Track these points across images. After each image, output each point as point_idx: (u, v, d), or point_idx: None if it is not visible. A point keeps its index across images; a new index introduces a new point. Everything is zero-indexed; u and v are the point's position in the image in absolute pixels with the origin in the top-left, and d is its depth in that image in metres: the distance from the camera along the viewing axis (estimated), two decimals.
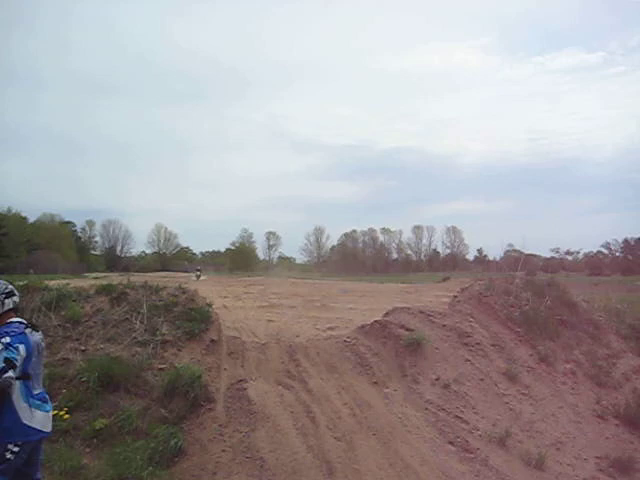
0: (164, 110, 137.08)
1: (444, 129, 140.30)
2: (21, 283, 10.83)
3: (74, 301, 10.32)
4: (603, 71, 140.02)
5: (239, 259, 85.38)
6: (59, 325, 9.76)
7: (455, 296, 13.16)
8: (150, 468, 7.29)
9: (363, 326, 11.67)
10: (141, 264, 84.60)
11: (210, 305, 10.57)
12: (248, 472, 7.31)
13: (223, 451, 7.69)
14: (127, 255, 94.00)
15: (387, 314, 11.92)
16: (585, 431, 9.86)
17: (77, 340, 9.52)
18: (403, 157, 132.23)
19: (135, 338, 9.54)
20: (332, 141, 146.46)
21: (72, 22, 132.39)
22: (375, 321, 11.55)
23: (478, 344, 11.04)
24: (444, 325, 11.35)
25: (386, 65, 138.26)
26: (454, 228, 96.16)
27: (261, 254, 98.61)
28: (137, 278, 12.24)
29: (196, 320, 9.94)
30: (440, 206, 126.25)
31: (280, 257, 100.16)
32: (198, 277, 40.83)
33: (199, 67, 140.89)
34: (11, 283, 5.89)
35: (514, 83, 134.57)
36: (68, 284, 11.39)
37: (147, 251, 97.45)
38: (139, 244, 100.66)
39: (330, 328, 16.28)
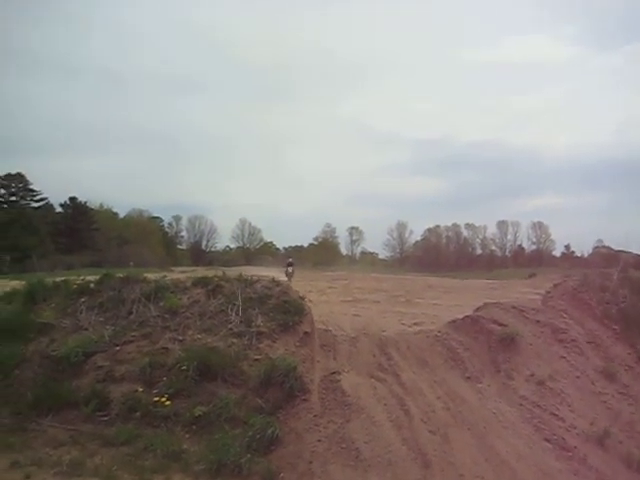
0: (249, 107, 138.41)
1: (528, 122, 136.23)
2: (121, 275, 11.29)
3: (172, 293, 10.65)
4: None
5: (322, 254, 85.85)
6: (158, 316, 10.11)
7: (548, 292, 12.85)
8: (248, 455, 7.51)
9: (454, 321, 11.59)
10: (225, 258, 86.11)
11: (303, 298, 10.71)
12: (344, 462, 7.42)
13: (319, 441, 7.82)
14: (212, 249, 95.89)
15: (478, 309, 11.79)
16: None
17: (175, 330, 9.83)
18: (486, 151, 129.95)
19: (231, 329, 9.78)
20: (413, 136, 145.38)
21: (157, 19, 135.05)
22: (466, 316, 11.46)
23: (573, 341, 10.78)
24: (538, 321, 11.14)
25: (468, 58, 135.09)
26: (540, 223, 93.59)
27: (344, 249, 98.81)
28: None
29: (290, 312, 10.10)
30: (525, 201, 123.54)
31: (363, 252, 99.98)
32: (289, 274, 29.42)
33: (283, 64, 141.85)
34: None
35: (602, 73, 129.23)
36: (165, 276, 11.77)
37: (231, 245, 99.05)
38: (224, 239, 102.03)
39: (416, 324, 16.22)
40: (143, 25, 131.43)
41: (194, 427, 8.25)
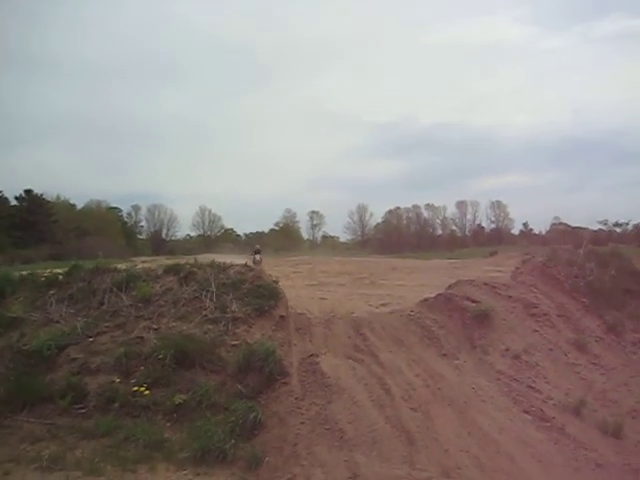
0: (211, 91, 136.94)
1: (486, 103, 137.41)
2: (91, 266, 11.11)
3: (144, 281, 10.51)
4: None
5: (283, 239, 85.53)
6: (131, 305, 9.98)
7: (517, 267, 13.04)
8: (232, 441, 7.47)
9: (426, 299, 11.68)
10: (186, 247, 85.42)
11: (277, 282, 10.66)
12: (329, 443, 7.44)
13: (302, 423, 7.82)
14: (172, 238, 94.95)
15: (450, 287, 11.90)
16: None
17: (149, 319, 9.72)
18: (445, 132, 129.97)
19: (206, 316, 9.71)
20: (373, 118, 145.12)
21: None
22: (439, 294, 11.55)
23: (545, 314, 10.97)
24: (510, 296, 11.31)
25: (426, 41, 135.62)
26: (498, 202, 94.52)
27: (305, 234, 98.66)
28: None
29: (265, 297, 10.05)
30: (484, 180, 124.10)
31: (324, 236, 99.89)
32: (257, 262, 24.96)
33: (250, 47, 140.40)
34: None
35: (555, 54, 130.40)
36: (135, 265, 11.62)
37: (192, 234, 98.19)
38: (184, 227, 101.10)
39: (383, 305, 16.29)
40: (108, 11, 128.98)
41: (175, 415, 8.19)
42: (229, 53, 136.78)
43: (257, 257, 27.04)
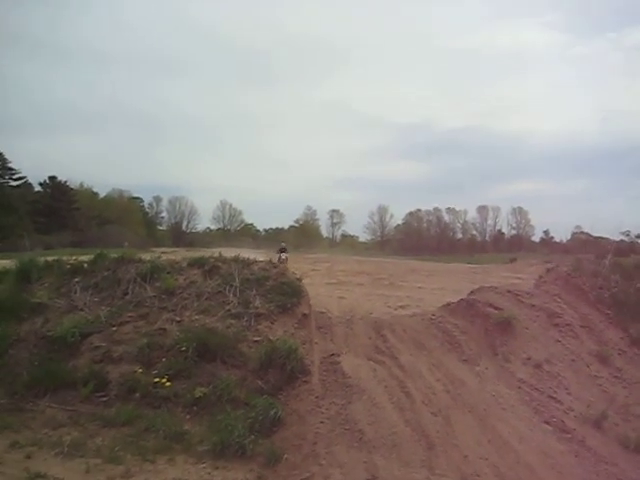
0: (233, 89, 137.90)
1: (511, 109, 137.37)
2: (116, 255, 11.18)
3: (168, 273, 10.57)
4: None
5: (302, 236, 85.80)
6: (154, 296, 10.04)
7: (541, 276, 12.95)
8: (252, 436, 7.47)
9: (449, 304, 11.68)
10: (206, 240, 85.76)
11: (300, 280, 10.68)
12: (348, 443, 7.43)
13: (321, 422, 7.82)
14: (192, 231, 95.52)
15: (473, 293, 11.86)
16: None
17: (172, 311, 9.77)
18: (469, 137, 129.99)
19: (229, 310, 9.74)
20: (397, 120, 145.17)
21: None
22: (462, 299, 11.54)
23: (568, 325, 10.88)
24: (533, 305, 11.22)
25: (451, 44, 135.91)
26: (520, 209, 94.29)
27: (324, 232, 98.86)
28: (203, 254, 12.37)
29: (288, 294, 10.08)
30: (506, 186, 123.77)
31: (343, 235, 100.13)
32: (282, 260, 23.65)
33: (269, 46, 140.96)
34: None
35: (585, 61, 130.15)
36: (160, 256, 11.67)
37: (212, 227, 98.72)
38: (204, 220, 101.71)
39: (401, 307, 16.34)
40: (129, 7, 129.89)
41: (195, 408, 8.22)
42: (245, 52, 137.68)
43: (283, 256, 26.36)
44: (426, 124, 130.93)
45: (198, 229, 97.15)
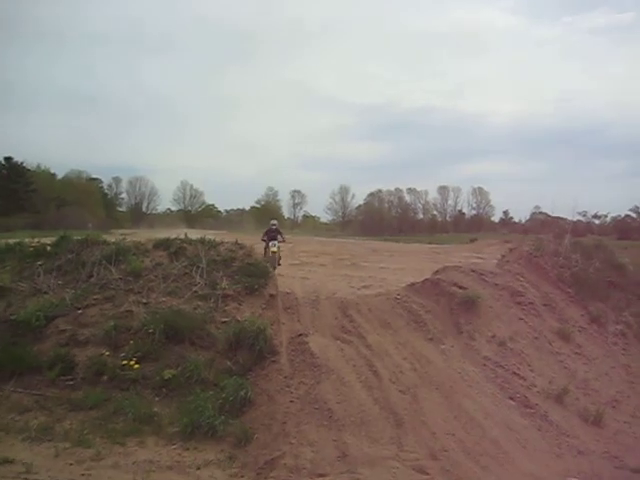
0: (197, 69, 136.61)
1: (472, 89, 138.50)
2: (79, 237, 11.04)
3: (133, 255, 10.47)
4: (635, 32, 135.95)
5: (264, 217, 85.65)
6: (120, 278, 9.95)
7: (504, 256, 13.18)
8: (222, 417, 7.54)
9: (413, 284, 11.81)
10: (167, 221, 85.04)
11: (267, 261, 10.69)
12: (317, 422, 7.51)
13: (291, 402, 7.89)
14: (153, 212, 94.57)
15: (438, 272, 12.00)
16: (638, 391, 9.96)
17: (139, 293, 9.71)
18: (430, 116, 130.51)
19: (196, 292, 9.72)
20: (358, 99, 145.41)
21: None
22: (426, 279, 11.67)
23: (531, 303, 11.10)
24: (496, 284, 11.41)
25: (412, 24, 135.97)
26: (480, 189, 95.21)
27: (286, 213, 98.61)
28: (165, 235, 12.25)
29: (255, 275, 10.09)
30: (467, 167, 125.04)
31: (305, 216, 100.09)
32: (272, 253, 18.50)
33: (235, 25, 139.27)
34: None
35: (542, 44, 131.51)
36: (125, 238, 11.57)
37: (172, 208, 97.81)
38: (164, 201, 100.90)
39: (364, 287, 16.48)
40: None
41: (164, 390, 8.23)
42: (214, 31, 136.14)
43: (273, 245, 18.74)
44: (387, 103, 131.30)
45: (159, 210, 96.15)
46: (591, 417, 8.72)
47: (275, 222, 20.34)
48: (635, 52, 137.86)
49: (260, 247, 16.76)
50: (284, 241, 19.98)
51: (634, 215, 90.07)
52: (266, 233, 19.60)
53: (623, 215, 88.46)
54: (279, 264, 18.55)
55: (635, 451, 8.24)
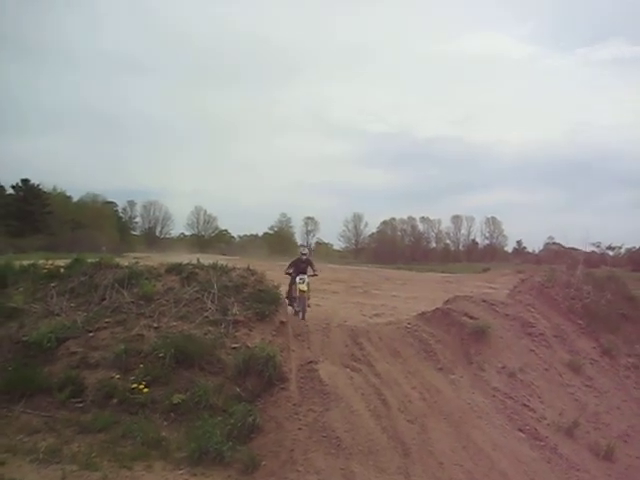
0: (207, 91, 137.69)
1: (484, 118, 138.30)
2: (93, 260, 11.14)
3: (146, 279, 10.53)
4: None
5: (277, 243, 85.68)
6: (132, 302, 10.00)
7: (516, 286, 13.18)
8: (230, 443, 7.51)
9: (424, 313, 11.82)
10: (179, 246, 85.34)
11: (278, 287, 10.72)
12: (325, 450, 7.49)
13: (299, 429, 7.87)
14: (166, 236, 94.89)
15: (448, 302, 12.02)
16: None
17: (150, 317, 9.74)
18: (443, 145, 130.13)
19: (207, 317, 9.75)
20: (372, 127, 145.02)
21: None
22: (437, 308, 11.69)
23: (541, 334, 11.10)
24: (507, 315, 11.41)
25: (426, 52, 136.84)
26: (493, 219, 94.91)
27: (299, 239, 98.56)
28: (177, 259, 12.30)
29: (266, 301, 10.10)
30: (480, 196, 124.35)
31: (318, 242, 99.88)
32: (301, 292, 14.97)
33: (242, 47, 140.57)
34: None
35: (556, 74, 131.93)
36: (138, 262, 11.65)
37: (186, 233, 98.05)
38: (178, 225, 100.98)
39: (376, 315, 16.50)
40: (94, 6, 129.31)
41: (172, 415, 8.23)
42: (215, 55, 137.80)
43: (302, 281, 15.06)
44: (402, 132, 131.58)
45: (172, 234, 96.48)
46: (602, 451, 8.70)
47: (306, 251, 16.65)
48: None
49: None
50: (316, 274, 16.10)
51: None
52: (293, 265, 15.74)
53: (638, 247, 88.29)
54: (308, 306, 15.07)
55: None
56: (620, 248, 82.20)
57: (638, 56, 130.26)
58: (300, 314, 14.36)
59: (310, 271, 15.73)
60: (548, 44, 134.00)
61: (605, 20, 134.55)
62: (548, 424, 8.99)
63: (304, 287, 14.90)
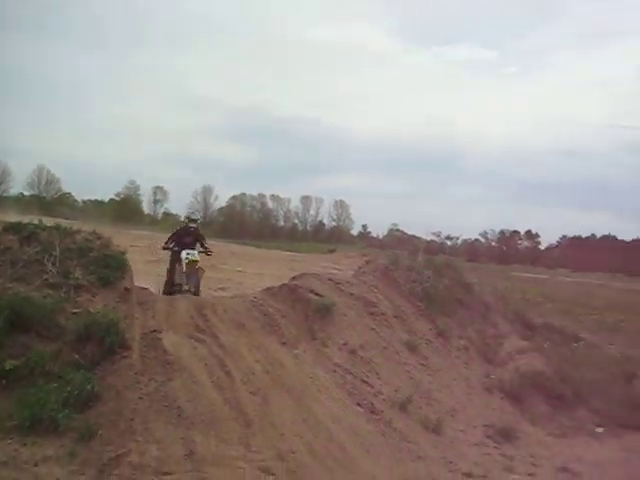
0: (61, 48, 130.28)
1: (342, 104, 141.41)
2: None
3: None
4: (497, 68, 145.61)
5: (122, 210, 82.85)
6: None
7: (360, 267, 13.60)
8: (65, 411, 7.20)
9: (270, 288, 11.86)
10: (18, 206, 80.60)
11: (124, 253, 10.36)
12: (166, 420, 7.38)
13: (140, 398, 7.69)
14: (3, 195, 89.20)
15: (295, 278, 12.16)
16: (475, 402, 10.72)
17: None
18: (299, 126, 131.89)
19: (47, 280, 9.24)
20: (229, 101, 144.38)
21: None
22: (284, 284, 11.79)
23: (383, 314, 11.54)
24: (351, 294, 11.74)
25: (290, 34, 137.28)
26: (342, 202, 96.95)
27: (146, 209, 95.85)
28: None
29: (111, 267, 9.73)
30: (330, 179, 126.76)
31: (165, 213, 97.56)
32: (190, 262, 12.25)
33: (101, 13, 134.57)
34: None
35: (413, 69, 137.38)
36: None
37: (25, 193, 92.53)
38: (18, 185, 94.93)
39: (221, 289, 16.48)
40: None
41: (4, 381, 7.72)
42: (80, 15, 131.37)
43: (189, 256, 12.26)
44: (258, 109, 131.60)
45: (11, 193, 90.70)
46: (431, 425, 9.28)
47: (197, 217, 14.38)
48: (494, 88, 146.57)
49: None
50: (209, 253, 13.13)
51: (482, 240, 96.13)
52: (176, 237, 12.80)
53: (473, 239, 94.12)
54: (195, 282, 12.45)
55: (467, 456, 8.88)
56: (457, 239, 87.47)
57: (488, 59, 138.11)
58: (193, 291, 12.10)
59: (199, 248, 12.73)
60: (406, 40, 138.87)
61: (461, 23, 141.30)
62: (384, 399, 9.42)
63: (196, 257, 12.34)
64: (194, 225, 12.98)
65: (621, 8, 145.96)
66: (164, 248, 12.83)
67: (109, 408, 7.54)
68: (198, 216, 13.60)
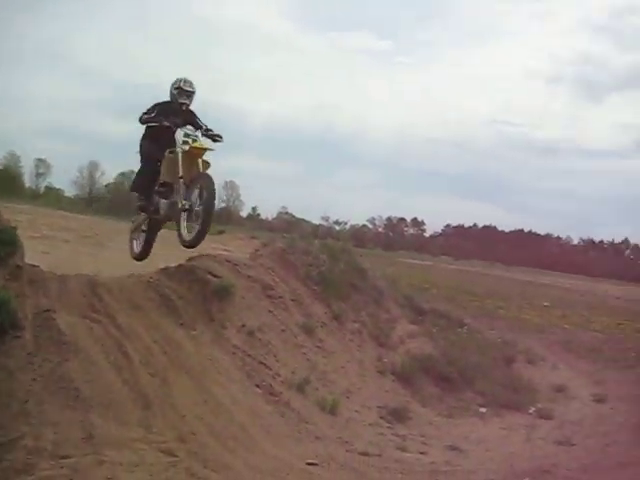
0: None
1: (235, 83, 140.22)
2: None
3: None
4: (392, 57, 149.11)
5: (1, 184, 78.92)
6: None
7: (257, 250, 13.63)
8: None
9: (166, 268, 11.68)
10: None
11: (15, 228, 9.92)
12: (62, 402, 7.18)
13: (34, 380, 7.43)
14: None
15: (193, 259, 12.02)
16: (369, 384, 11.05)
17: None
18: (195, 104, 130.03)
19: None
20: (124, 76, 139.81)
21: None
22: (181, 264, 11.62)
23: (280, 297, 11.63)
24: (249, 276, 11.73)
25: (186, 10, 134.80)
26: (232, 183, 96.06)
27: (27, 182, 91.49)
28: None
29: (2, 242, 9.30)
30: (221, 159, 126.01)
31: (48, 187, 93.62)
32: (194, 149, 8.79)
33: None
34: None
35: (307, 52, 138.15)
36: None
37: None
38: None
39: (110, 267, 16.00)
40: None
41: None
42: None
43: (190, 138, 8.97)
44: (150, 84, 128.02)
45: None
46: (328, 406, 9.57)
47: (192, 88, 9.47)
48: (388, 77, 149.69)
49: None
50: (217, 137, 9.65)
51: (370, 226, 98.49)
52: (160, 112, 9.30)
53: (361, 224, 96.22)
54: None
55: (363, 436, 9.24)
56: (346, 224, 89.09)
57: (383, 49, 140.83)
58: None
59: (194, 131, 9.16)
60: (300, 22, 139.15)
61: (358, 12, 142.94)
62: (282, 381, 9.57)
63: (203, 142, 8.96)
64: (187, 101, 9.36)
65: (507, 11, 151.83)
66: (145, 121, 9.29)
67: (0, 390, 7.26)
68: (194, 87, 9.23)
